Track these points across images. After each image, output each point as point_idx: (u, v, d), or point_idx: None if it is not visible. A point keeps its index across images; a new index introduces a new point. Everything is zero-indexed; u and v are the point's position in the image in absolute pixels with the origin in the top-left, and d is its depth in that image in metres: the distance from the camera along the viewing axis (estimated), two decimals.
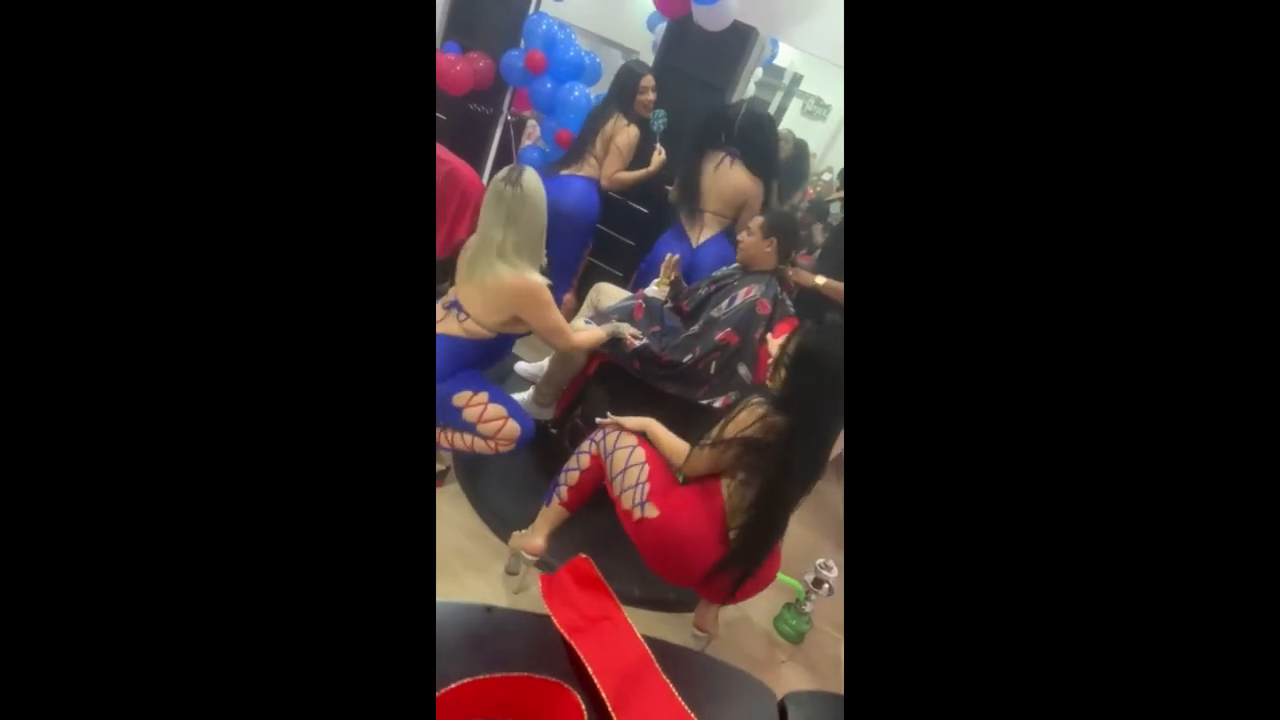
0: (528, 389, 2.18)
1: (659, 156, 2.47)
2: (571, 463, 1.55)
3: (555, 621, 0.72)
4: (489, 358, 1.71)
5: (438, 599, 0.61)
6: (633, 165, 2.48)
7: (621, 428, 1.53)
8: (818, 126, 3.85)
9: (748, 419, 1.35)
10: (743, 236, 1.96)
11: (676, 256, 2.14)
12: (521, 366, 2.33)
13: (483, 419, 1.60)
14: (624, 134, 2.40)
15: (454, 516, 1.78)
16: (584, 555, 0.85)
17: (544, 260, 1.67)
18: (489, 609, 0.74)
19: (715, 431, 1.39)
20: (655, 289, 2.10)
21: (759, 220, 1.94)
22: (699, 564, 1.39)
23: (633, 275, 2.62)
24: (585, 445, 1.55)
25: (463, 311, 1.61)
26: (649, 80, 2.42)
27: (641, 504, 1.41)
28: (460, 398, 1.60)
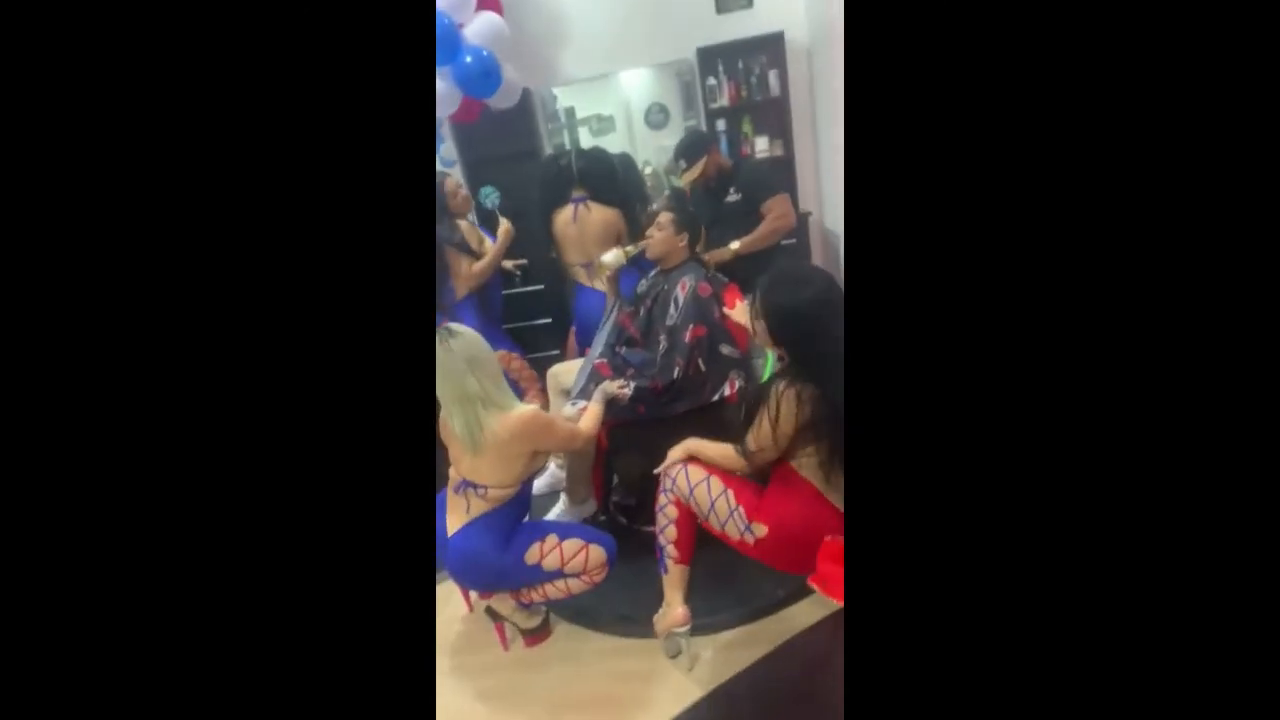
0: (558, 500, 2.11)
1: (504, 229, 2.49)
2: (661, 520, 1.52)
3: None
4: (521, 509, 1.63)
5: None
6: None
7: (678, 465, 1.52)
8: (613, 138, 4.05)
9: (791, 407, 1.35)
10: (652, 232, 2.01)
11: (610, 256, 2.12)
12: (535, 485, 2.25)
13: (565, 561, 1.53)
14: (463, 229, 2.40)
15: (593, 662, 1.67)
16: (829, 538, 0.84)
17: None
18: None
19: (764, 427, 1.39)
20: (612, 257, 2.07)
21: (669, 216, 2.00)
22: (833, 543, 1.40)
23: (566, 345, 2.62)
24: (663, 499, 1.53)
25: (479, 487, 1.53)
26: (452, 182, 2.43)
27: (748, 527, 1.41)
28: (531, 554, 1.52)
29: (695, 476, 1.48)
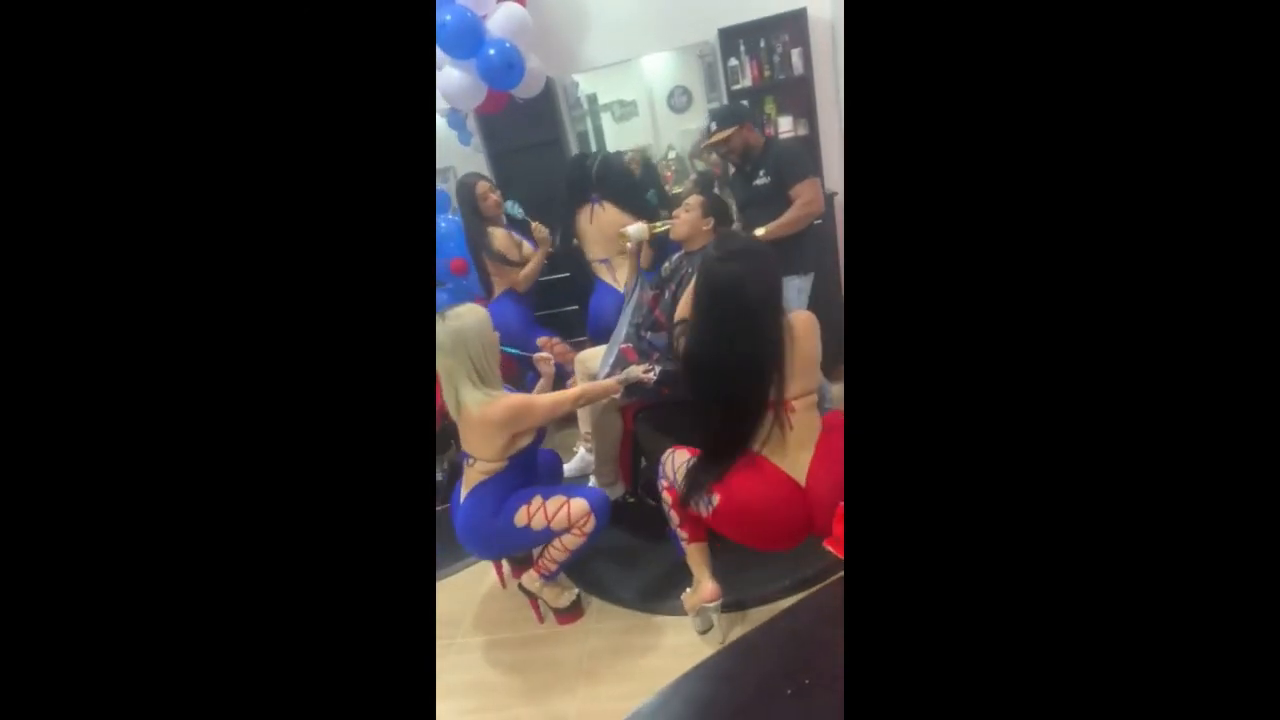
0: (588, 482, 2.16)
1: (541, 232, 2.56)
2: (665, 505, 1.58)
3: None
4: (516, 479, 1.67)
5: None
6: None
7: (668, 451, 1.57)
8: (635, 123, 4.04)
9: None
10: (679, 213, 2.03)
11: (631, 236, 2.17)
12: (566, 469, 2.31)
13: (550, 518, 1.60)
14: (499, 241, 2.47)
15: (624, 637, 1.71)
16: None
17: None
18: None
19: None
20: (636, 230, 2.12)
21: (697, 199, 2.02)
22: (790, 514, 1.43)
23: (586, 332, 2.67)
24: (660, 485, 1.58)
25: (470, 458, 1.63)
26: (484, 185, 2.50)
27: (708, 500, 1.44)
28: (520, 517, 1.59)
29: (679, 459, 1.52)
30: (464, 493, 1.66)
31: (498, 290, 2.51)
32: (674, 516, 1.56)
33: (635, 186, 2.53)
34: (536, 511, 1.59)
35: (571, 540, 1.62)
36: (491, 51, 2.39)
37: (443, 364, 1.55)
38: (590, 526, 1.61)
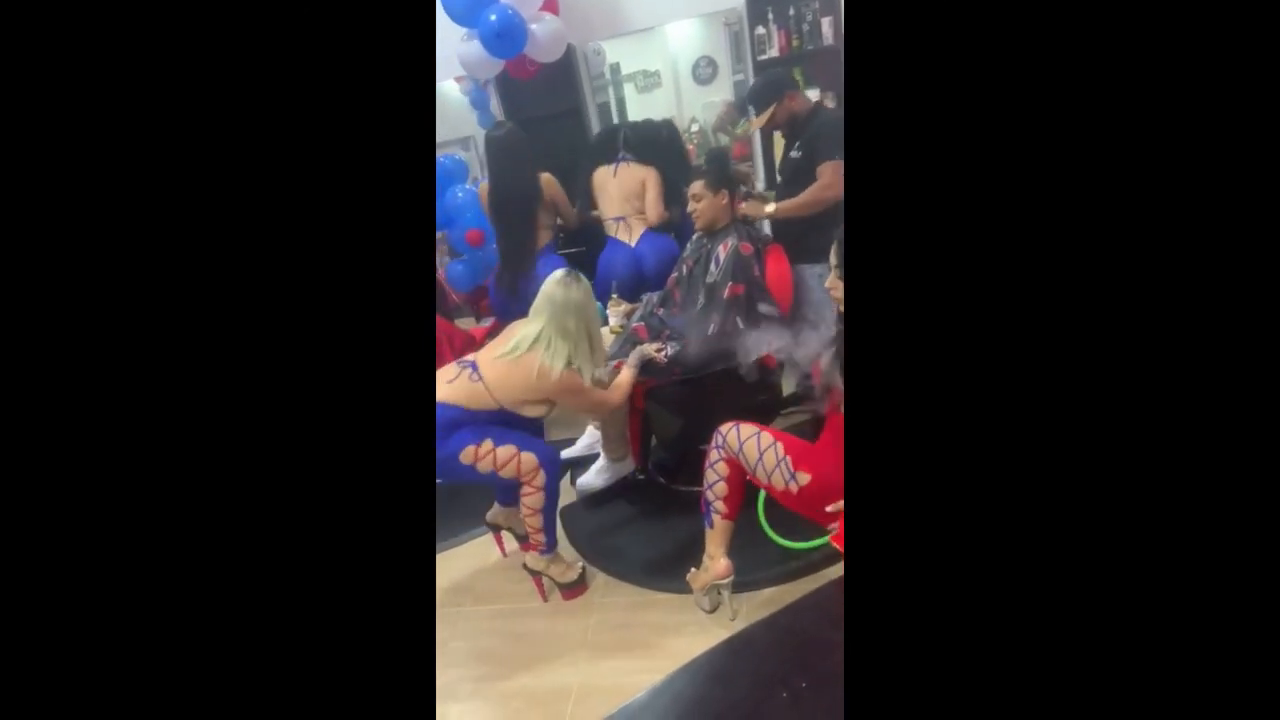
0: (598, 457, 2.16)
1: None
2: (711, 477, 1.54)
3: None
4: (487, 423, 1.66)
5: None
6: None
7: (729, 424, 1.53)
8: (658, 94, 3.95)
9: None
10: (692, 205, 1.99)
11: (621, 306, 2.20)
12: (576, 445, 2.31)
13: (499, 465, 1.60)
14: (551, 186, 2.45)
15: (626, 613, 1.71)
16: None
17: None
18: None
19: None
20: (613, 323, 2.15)
21: (698, 183, 1.97)
22: None
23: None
24: (714, 456, 1.54)
25: (477, 373, 1.61)
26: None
27: (792, 476, 1.42)
28: (466, 454, 1.58)
29: (747, 432, 1.50)
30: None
31: (541, 244, 2.47)
32: (722, 488, 1.53)
33: (661, 143, 2.52)
34: (486, 455, 1.59)
35: (531, 499, 1.64)
36: (492, 17, 2.33)
37: (556, 324, 1.59)
38: (540, 481, 1.62)
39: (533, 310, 1.65)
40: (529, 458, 1.61)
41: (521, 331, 1.65)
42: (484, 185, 2.46)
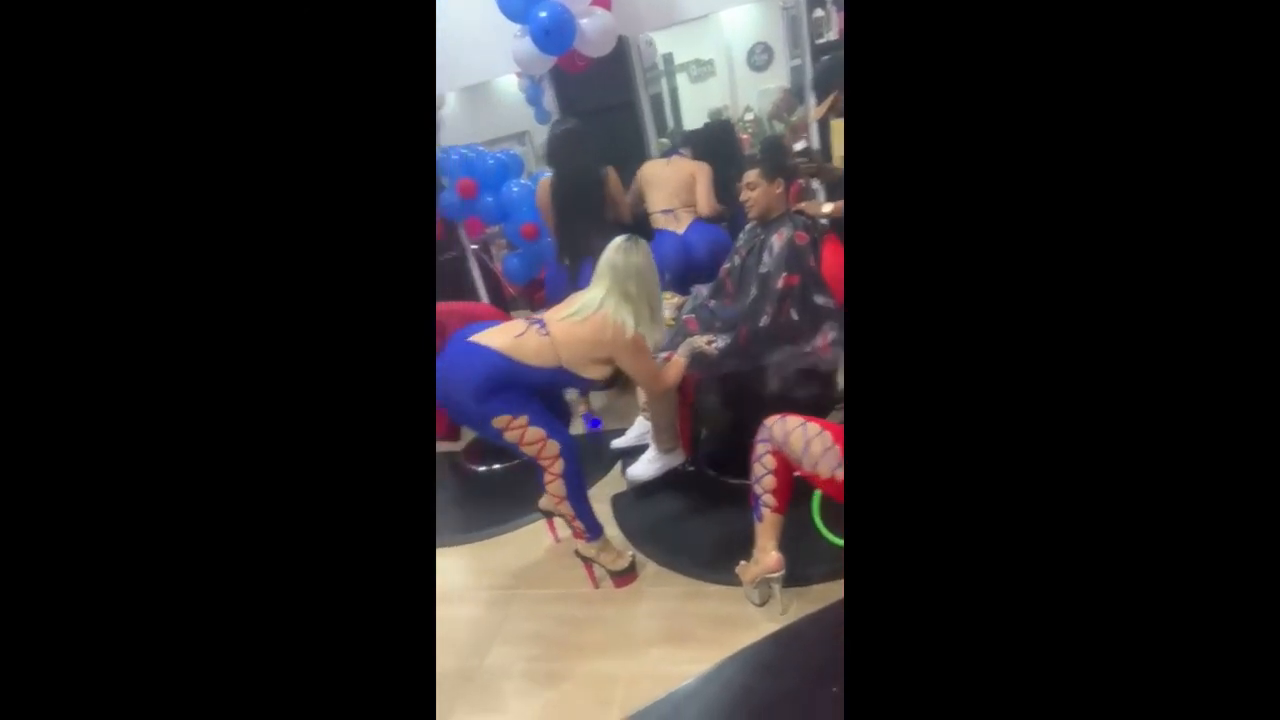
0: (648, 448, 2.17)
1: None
2: (759, 470, 1.53)
3: None
4: (537, 388, 1.69)
5: None
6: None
7: (774, 416, 1.50)
8: (712, 84, 3.91)
9: None
10: (746, 194, 1.96)
11: (673, 299, 2.20)
12: (626, 436, 2.33)
13: (524, 443, 1.62)
14: (615, 181, 2.50)
15: (676, 602, 1.72)
16: None
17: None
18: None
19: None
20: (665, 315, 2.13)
21: (754, 171, 1.94)
22: None
23: None
24: (760, 449, 1.53)
25: (545, 329, 1.64)
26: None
27: (840, 464, 1.38)
28: (499, 421, 1.60)
29: (792, 423, 1.48)
30: (484, 339, 1.63)
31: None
32: (770, 482, 1.52)
33: (714, 140, 2.62)
34: (517, 429, 1.61)
35: (553, 485, 1.67)
36: (542, 13, 2.35)
37: (618, 286, 1.64)
38: (559, 469, 1.65)
39: (594, 276, 1.68)
40: (553, 446, 1.64)
41: (585, 297, 1.68)
42: (544, 180, 2.50)
